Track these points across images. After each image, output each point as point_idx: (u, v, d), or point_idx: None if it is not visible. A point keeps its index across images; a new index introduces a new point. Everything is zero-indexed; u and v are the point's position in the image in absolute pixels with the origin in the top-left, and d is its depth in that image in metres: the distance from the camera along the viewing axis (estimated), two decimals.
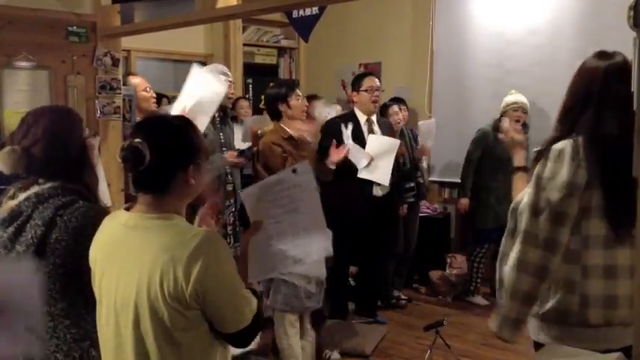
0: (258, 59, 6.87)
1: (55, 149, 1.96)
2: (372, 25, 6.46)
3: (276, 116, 3.87)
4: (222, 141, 3.96)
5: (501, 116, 4.96)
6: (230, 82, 3.97)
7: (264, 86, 6.39)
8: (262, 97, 6.31)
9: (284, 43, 7.08)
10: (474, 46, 5.71)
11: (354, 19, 6.51)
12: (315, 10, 4.06)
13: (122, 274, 1.61)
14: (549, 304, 1.92)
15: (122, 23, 4.22)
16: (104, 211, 1.95)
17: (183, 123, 1.70)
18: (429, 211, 5.78)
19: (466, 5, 5.75)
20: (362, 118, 4.56)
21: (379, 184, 4.50)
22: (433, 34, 5.98)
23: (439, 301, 5.35)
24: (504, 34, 5.47)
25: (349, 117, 4.61)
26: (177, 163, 1.63)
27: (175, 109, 3.38)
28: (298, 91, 3.89)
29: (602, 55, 1.97)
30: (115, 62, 4.09)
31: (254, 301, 1.67)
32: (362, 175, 4.36)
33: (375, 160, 4.40)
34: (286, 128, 3.83)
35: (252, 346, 1.97)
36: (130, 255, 1.60)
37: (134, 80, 4.14)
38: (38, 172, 1.95)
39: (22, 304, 1.46)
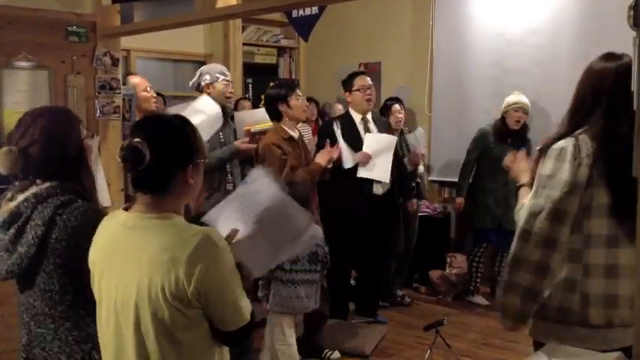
0: (258, 59, 6.87)
1: (53, 150, 1.96)
2: (371, 25, 6.45)
3: (277, 117, 3.87)
4: (222, 140, 3.95)
5: (502, 116, 4.97)
6: (228, 81, 3.96)
7: (263, 86, 6.39)
8: (262, 96, 6.33)
9: (284, 42, 7.07)
10: (473, 46, 5.71)
11: (353, 19, 6.51)
12: (314, 9, 4.06)
13: (122, 275, 1.61)
14: (550, 304, 1.92)
15: (122, 23, 4.22)
16: (102, 212, 1.95)
17: (182, 122, 1.70)
18: (429, 210, 5.78)
19: (466, 5, 5.75)
20: (357, 118, 4.56)
21: (379, 182, 4.50)
22: (433, 34, 5.97)
23: (439, 300, 5.35)
24: (504, 34, 5.47)
25: (344, 117, 4.62)
26: (177, 162, 1.63)
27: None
28: (298, 91, 3.89)
29: (610, 56, 1.97)
30: (115, 62, 4.09)
31: (248, 300, 1.69)
32: (361, 174, 4.37)
33: (374, 158, 4.40)
34: (286, 129, 3.83)
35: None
36: (130, 255, 1.60)
37: (134, 80, 4.14)
38: (35, 172, 1.95)
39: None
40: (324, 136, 4.37)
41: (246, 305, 1.65)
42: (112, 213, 1.76)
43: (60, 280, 1.91)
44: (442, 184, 6.06)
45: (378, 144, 4.45)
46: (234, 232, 1.78)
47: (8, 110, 3.72)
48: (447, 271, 5.56)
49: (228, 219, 1.86)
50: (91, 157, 2.12)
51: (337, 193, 4.31)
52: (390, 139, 4.55)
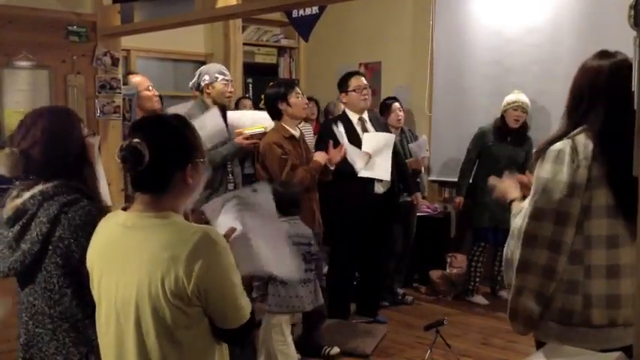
0: (258, 59, 6.87)
1: (54, 150, 1.96)
2: (372, 25, 6.45)
3: (277, 115, 3.86)
4: (223, 141, 3.95)
5: (502, 115, 4.97)
6: (228, 80, 3.96)
7: (264, 86, 6.38)
8: (262, 96, 6.33)
9: (284, 42, 7.07)
10: (473, 45, 5.70)
11: (354, 19, 6.51)
12: (315, 9, 4.06)
13: (122, 274, 1.61)
14: (552, 305, 1.92)
15: (122, 23, 4.22)
16: (106, 211, 1.95)
17: (181, 122, 1.71)
18: (429, 210, 5.77)
19: (466, 5, 5.75)
20: (354, 118, 4.55)
21: (380, 181, 4.50)
22: (433, 34, 5.97)
23: (439, 300, 5.35)
24: (504, 32, 5.47)
25: (341, 118, 4.62)
26: (176, 162, 1.63)
27: None
28: (298, 89, 3.89)
29: (604, 54, 1.97)
30: (115, 62, 4.09)
31: (247, 298, 1.69)
32: (362, 173, 4.36)
33: (373, 156, 4.40)
34: (287, 127, 3.83)
35: None
36: (129, 254, 1.60)
37: (135, 79, 4.12)
38: (38, 173, 1.96)
39: None
40: (325, 137, 4.37)
41: (246, 303, 1.66)
42: (110, 214, 1.76)
43: (60, 279, 1.91)
44: (442, 183, 6.06)
45: (377, 143, 4.45)
46: (232, 230, 1.79)
47: (9, 110, 3.73)
48: (448, 270, 5.56)
49: (227, 217, 1.87)
50: (94, 155, 2.13)
51: (339, 193, 4.31)
52: (389, 137, 4.55)
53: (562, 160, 1.86)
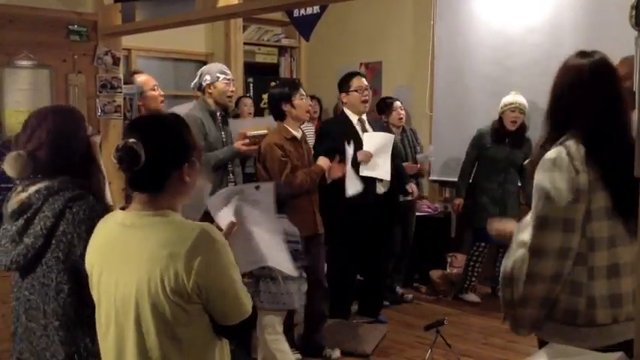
0: (259, 58, 6.87)
1: (60, 151, 1.97)
2: (372, 25, 6.45)
3: (280, 116, 3.85)
4: (224, 140, 3.95)
5: (500, 116, 4.97)
6: (229, 80, 3.96)
7: (264, 85, 6.40)
8: (263, 96, 6.33)
9: (285, 42, 7.07)
10: (474, 45, 5.70)
11: (355, 19, 6.51)
12: (316, 9, 4.05)
13: (121, 273, 1.61)
14: (557, 306, 1.91)
15: (123, 22, 4.22)
16: (110, 209, 1.96)
17: (177, 121, 1.71)
18: (429, 210, 5.78)
19: (467, 4, 5.75)
20: (354, 118, 4.54)
21: (381, 181, 4.51)
22: (434, 34, 5.97)
23: (439, 300, 5.35)
24: (505, 32, 5.47)
25: (341, 118, 4.61)
26: (172, 161, 1.63)
27: None
28: (302, 91, 3.87)
29: (583, 53, 1.97)
30: (116, 61, 4.09)
31: (248, 294, 1.69)
32: (364, 173, 4.36)
33: (374, 157, 4.40)
34: (289, 128, 3.82)
35: None
36: (128, 253, 1.60)
37: (140, 78, 4.09)
38: (44, 173, 1.96)
39: None
40: (327, 139, 4.36)
41: (247, 299, 1.66)
42: (109, 214, 1.77)
43: (59, 275, 1.91)
44: (443, 183, 6.06)
45: (377, 143, 4.45)
46: (232, 225, 1.79)
47: (9, 109, 3.73)
48: (448, 270, 5.56)
49: (228, 211, 1.87)
50: (99, 153, 2.14)
51: (340, 194, 4.30)
52: (388, 137, 4.56)
53: (560, 166, 1.84)
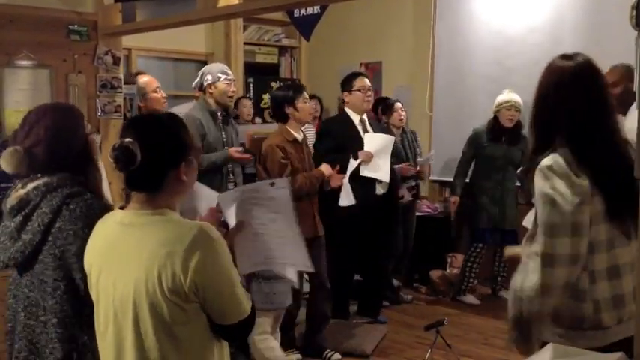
0: (259, 58, 6.86)
1: (57, 149, 1.97)
2: (373, 25, 6.45)
3: (282, 118, 3.85)
4: (225, 140, 3.95)
5: (495, 115, 4.98)
6: (230, 80, 3.96)
7: (265, 85, 6.40)
8: (264, 96, 6.34)
9: (285, 42, 7.07)
10: (474, 44, 5.70)
11: (355, 19, 6.51)
12: (316, 9, 4.05)
13: (120, 272, 1.61)
14: (562, 311, 1.90)
15: (123, 22, 4.22)
16: (109, 207, 1.97)
17: (173, 120, 1.71)
18: (429, 210, 5.78)
19: (467, 4, 5.75)
20: (355, 118, 4.54)
21: (380, 182, 4.51)
22: (434, 34, 5.97)
23: (439, 300, 5.35)
24: (505, 32, 5.47)
25: (342, 117, 4.61)
26: (169, 161, 1.63)
27: None
28: (305, 94, 3.87)
29: (566, 56, 1.96)
30: (116, 61, 4.10)
31: (248, 294, 1.69)
32: (365, 173, 4.36)
33: (375, 158, 4.40)
34: (291, 131, 3.82)
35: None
36: (127, 252, 1.60)
37: (143, 79, 4.08)
38: (41, 171, 1.97)
39: None
40: (328, 139, 4.36)
41: (245, 299, 1.66)
42: (108, 214, 1.77)
43: (55, 271, 1.91)
44: (442, 183, 6.06)
45: (377, 144, 4.45)
46: (241, 225, 1.78)
47: (9, 109, 3.73)
48: (448, 271, 5.56)
49: (239, 209, 1.86)
50: (97, 152, 2.14)
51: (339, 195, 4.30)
52: (389, 139, 4.56)
53: (559, 172, 1.82)
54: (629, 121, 3.35)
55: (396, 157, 4.73)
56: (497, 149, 4.99)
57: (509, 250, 2.28)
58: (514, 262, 2.15)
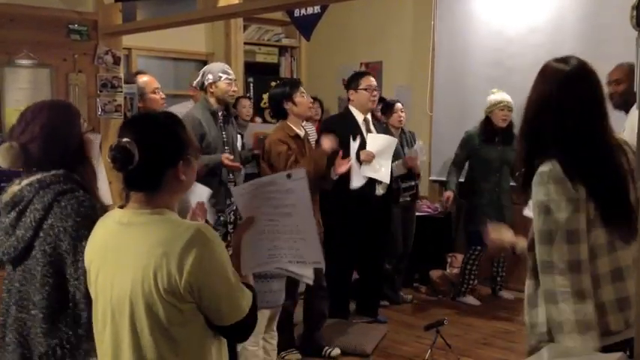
0: (260, 58, 6.87)
1: (52, 146, 1.98)
2: (373, 24, 6.46)
3: (282, 115, 3.86)
4: (225, 139, 3.95)
5: (487, 116, 4.98)
6: (231, 79, 3.96)
7: (265, 85, 6.40)
8: (264, 96, 6.33)
9: (285, 41, 7.07)
10: (475, 44, 5.71)
11: (355, 18, 6.51)
12: (316, 9, 4.05)
13: (117, 271, 1.61)
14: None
15: (123, 22, 4.23)
16: (103, 207, 1.97)
17: (171, 119, 1.71)
18: (429, 210, 5.78)
19: (467, 4, 5.75)
20: (359, 117, 4.54)
21: (380, 183, 4.51)
22: (434, 34, 5.97)
23: (439, 300, 5.35)
24: (505, 32, 5.47)
25: (346, 115, 4.61)
26: (167, 160, 1.62)
27: None
28: (302, 89, 3.88)
29: (562, 59, 1.94)
30: (117, 60, 4.10)
31: (249, 294, 1.68)
32: (365, 173, 4.36)
33: (377, 158, 4.40)
34: (292, 126, 3.83)
35: None
36: (125, 251, 1.60)
37: (143, 79, 4.07)
38: (37, 166, 1.98)
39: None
40: (329, 134, 4.36)
41: (243, 300, 1.65)
42: (108, 212, 1.77)
43: (44, 268, 1.92)
44: (442, 183, 6.05)
45: (380, 144, 4.45)
46: (251, 220, 1.78)
47: (9, 108, 3.73)
48: (448, 271, 5.56)
49: (251, 203, 1.83)
50: (93, 151, 2.14)
51: (340, 194, 4.30)
52: (391, 140, 4.56)
53: (555, 178, 1.81)
54: (629, 121, 3.35)
55: (395, 157, 4.73)
56: (491, 151, 4.99)
57: (494, 234, 2.24)
58: (496, 246, 2.15)
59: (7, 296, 2.02)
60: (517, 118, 4.97)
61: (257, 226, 1.81)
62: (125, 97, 4.08)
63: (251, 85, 6.60)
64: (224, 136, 3.95)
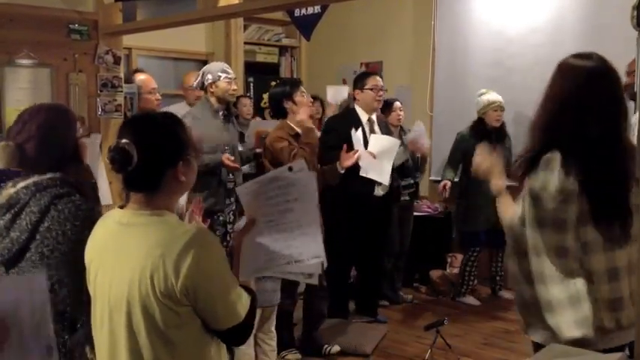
0: (260, 58, 6.86)
1: (48, 147, 1.99)
2: (373, 24, 6.45)
3: (282, 114, 3.87)
4: (225, 140, 3.95)
5: (480, 117, 4.98)
6: (231, 79, 3.96)
7: (265, 85, 6.40)
8: (264, 95, 6.33)
9: (285, 41, 7.07)
10: (475, 44, 5.70)
11: (355, 18, 6.51)
12: (316, 9, 4.05)
13: (116, 272, 1.61)
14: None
15: (124, 21, 4.23)
16: (98, 210, 1.98)
17: (170, 120, 1.71)
18: (429, 210, 5.77)
19: (467, 4, 5.75)
20: (363, 117, 4.54)
21: (379, 184, 4.50)
22: (434, 33, 5.97)
23: (439, 300, 5.35)
24: (505, 32, 5.47)
25: (351, 115, 4.60)
26: (166, 161, 1.62)
27: None
28: (302, 88, 3.89)
29: (581, 56, 1.92)
30: (117, 60, 4.10)
31: (247, 298, 1.67)
32: (364, 173, 4.35)
33: (378, 159, 4.39)
34: (293, 125, 3.83)
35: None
36: (123, 252, 1.60)
37: (140, 77, 4.07)
38: (31, 167, 1.98)
39: (32, 321, 1.48)
40: (335, 135, 4.36)
41: (240, 304, 1.64)
42: (107, 213, 1.77)
43: (39, 270, 1.92)
44: None
45: (382, 145, 4.44)
46: (252, 223, 1.78)
47: (10, 108, 3.73)
48: (448, 270, 5.56)
49: (255, 202, 1.83)
50: (86, 156, 2.15)
51: (339, 194, 4.30)
52: (394, 142, 4.54)
53: (553, 167, 1.83)
54: (634, 117, 3.36)
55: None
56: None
57: (479, 159, 2.24)
58: (480, 170, 2.21)
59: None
60: (514, 117, 5.01)
61: (257, 228, 1.81)
62: (125, 97, 4.09)
63: (251, 85, 6.60)
64: (225, 135, 3.95)
